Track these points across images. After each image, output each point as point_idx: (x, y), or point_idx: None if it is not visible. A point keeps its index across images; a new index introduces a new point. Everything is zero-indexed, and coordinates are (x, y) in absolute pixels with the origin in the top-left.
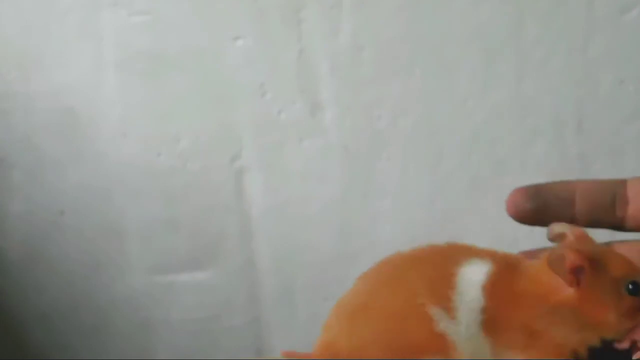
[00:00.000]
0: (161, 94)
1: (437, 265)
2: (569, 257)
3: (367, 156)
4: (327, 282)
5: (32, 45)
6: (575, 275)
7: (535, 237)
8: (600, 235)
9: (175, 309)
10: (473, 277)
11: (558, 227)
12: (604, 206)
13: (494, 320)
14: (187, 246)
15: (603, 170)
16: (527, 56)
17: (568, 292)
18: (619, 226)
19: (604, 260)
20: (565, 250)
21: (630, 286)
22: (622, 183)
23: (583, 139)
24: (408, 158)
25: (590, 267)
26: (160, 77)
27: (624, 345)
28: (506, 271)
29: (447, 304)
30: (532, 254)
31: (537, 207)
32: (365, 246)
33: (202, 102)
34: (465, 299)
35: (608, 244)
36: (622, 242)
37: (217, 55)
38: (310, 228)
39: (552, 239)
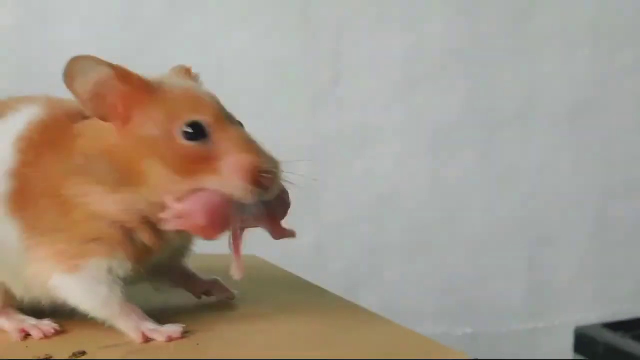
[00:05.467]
0: None
1: None
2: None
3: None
4: None
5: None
6: (124, 104)
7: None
8: None
9: None
10: (7, 129)
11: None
12: None
13: (25, 186)
14: None
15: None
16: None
17: (114, 135)
18: None
19: (165, 93)
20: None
21: (187, 129)
22: None
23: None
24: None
25: (146, 98)
26: None
27: (167, 219)
28: (62, 120)
29: None
30: None
31: None
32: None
33: None
34: None
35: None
36: None
37: None
38: None
39: None
